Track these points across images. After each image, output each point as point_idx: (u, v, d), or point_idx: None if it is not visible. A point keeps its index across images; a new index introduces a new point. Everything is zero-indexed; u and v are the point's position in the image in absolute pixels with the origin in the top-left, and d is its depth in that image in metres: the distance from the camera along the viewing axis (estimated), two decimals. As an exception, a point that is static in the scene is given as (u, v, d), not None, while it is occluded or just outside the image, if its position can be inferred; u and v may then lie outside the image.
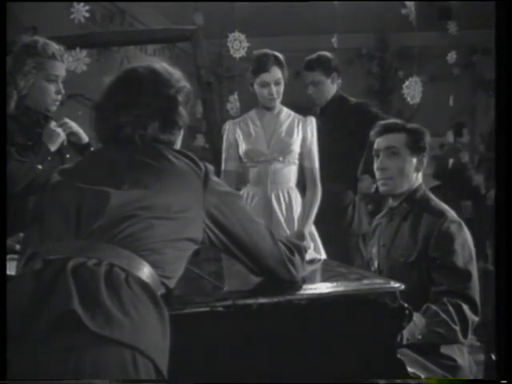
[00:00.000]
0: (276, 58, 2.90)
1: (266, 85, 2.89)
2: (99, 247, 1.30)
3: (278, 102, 3.01)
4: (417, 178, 2.26)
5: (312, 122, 3.03)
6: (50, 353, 1.16)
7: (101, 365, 1.16)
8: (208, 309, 1.44)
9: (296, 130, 2.98)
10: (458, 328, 2.00)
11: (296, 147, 2.96)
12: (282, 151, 2.93)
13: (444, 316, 1.98)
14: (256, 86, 2.93)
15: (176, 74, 1.56)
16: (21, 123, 2.30)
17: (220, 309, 1.44)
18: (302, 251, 1.62)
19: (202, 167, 1.46)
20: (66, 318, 1.16)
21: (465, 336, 2.03)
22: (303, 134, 2.98)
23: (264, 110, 3.02)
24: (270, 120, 3.01)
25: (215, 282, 1.67)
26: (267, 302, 1.48)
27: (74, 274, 1.23)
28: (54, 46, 2.34)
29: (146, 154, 1.45)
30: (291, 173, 2.97)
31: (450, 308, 2.00)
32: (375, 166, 2.29)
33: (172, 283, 1.39)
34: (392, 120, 2.37)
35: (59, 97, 2.37)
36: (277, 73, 2.89)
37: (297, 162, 2.98)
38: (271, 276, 1.57)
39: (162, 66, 1.57)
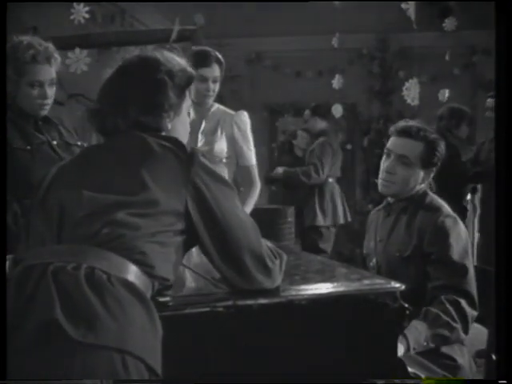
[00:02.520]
0: (217, 55, 2.85)
1: (204, 80, 2.80)
2: (79, 250, 1.29)
3: (211, 100, 2.92)
4: (419, 187, 2.24)
5: (240, 117, 2.94)
6: (38, 360, 1.15)
7: (90, 370, 1.15)
8: (208, 309, 1.43)
9: (220, 127, 2.89)
10: (458, 326, 2.00)
11: (220, 145, 2.87)
12: (206, 150, 2.83)
13: (445, 317, 1.98)
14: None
15: (174, 59, 1.54)
16: (18, 127, 2.26)
17: (220, 309, 1.44)
18: (283, 260, 1.54)
19: (189, 150, 1.43)
20: (49, 328, 1.16)
21: (466, 332, 2.03)
22: (230, 131, 2.89)
23: (195, 107, 2.90)
24: (197, 119, 2.92)
25: (215, 283, 1.67)
26: (267, 303, 1.48)
27: (55, 279, 1.22)
28: (37, 48, 2.23)
29: (130, 145, 1.44)
30: (221, 172, 2.90)
31: (449, 307, 2.00)
32: (382, 164, 2.24)
33: (169, 276, 1.38)
34: (416, 124, 2.24)
35: (46, 101, 2.29)
36: (216, 70, 2.83)
37: (225, 160, 2.89)
38: (246, 276, 1.45)
39: (160, 52, 1.55)
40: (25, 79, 2.23)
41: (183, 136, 1.59)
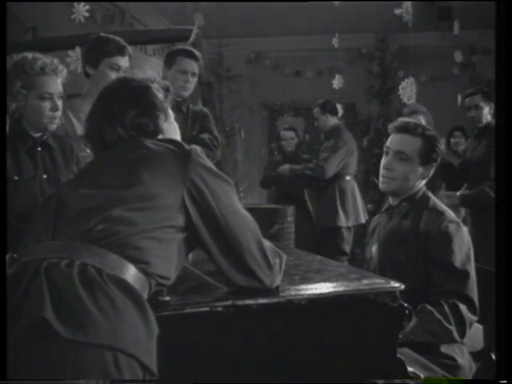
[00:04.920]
0: (127, 46, 2.78)
1: (118, 69, 2.74)
2: (73, 247, 1.30)
3: None
4: (419, 184, 2.24)
5: None
6: (29, 359, 1.16)
7: (81, 368, 1.15)
8: (208, 309, 1.43)
9: None
10: (453, 328, 2.00)
11: None
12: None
13: (438, 316, 1.98)
14: (104, 67, 2.75)
15: (146, 76, 1.65)
16: (14, 153, 2.20)
17: (220, 309, 1.44)
18: (282, 260, 1.55)
19: (187, 148, 1.45)
20: (39, 326, 1.16)
21: (461, 336, 2.03)
22: None
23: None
24: None
25: (215, 282, 1.67)
26: (267, 303, 1.48)
27: (48, 276, 1.23)
28: (44, 61, 2.22)
29: (129, 147, 1.47)
30: None
31: (446, 308, 2.00)
32: (382, 162, 2.25)
33: (168, 275, 1.38)
34: (414, 121, 2.28)
35: (57, 113, 2.27)
36: (127, 61, 2.77)
37: None
38: (247, 274, 1.47)
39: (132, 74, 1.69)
40: (34, 92, 2.21)
41: (177, 138, 1.62)
